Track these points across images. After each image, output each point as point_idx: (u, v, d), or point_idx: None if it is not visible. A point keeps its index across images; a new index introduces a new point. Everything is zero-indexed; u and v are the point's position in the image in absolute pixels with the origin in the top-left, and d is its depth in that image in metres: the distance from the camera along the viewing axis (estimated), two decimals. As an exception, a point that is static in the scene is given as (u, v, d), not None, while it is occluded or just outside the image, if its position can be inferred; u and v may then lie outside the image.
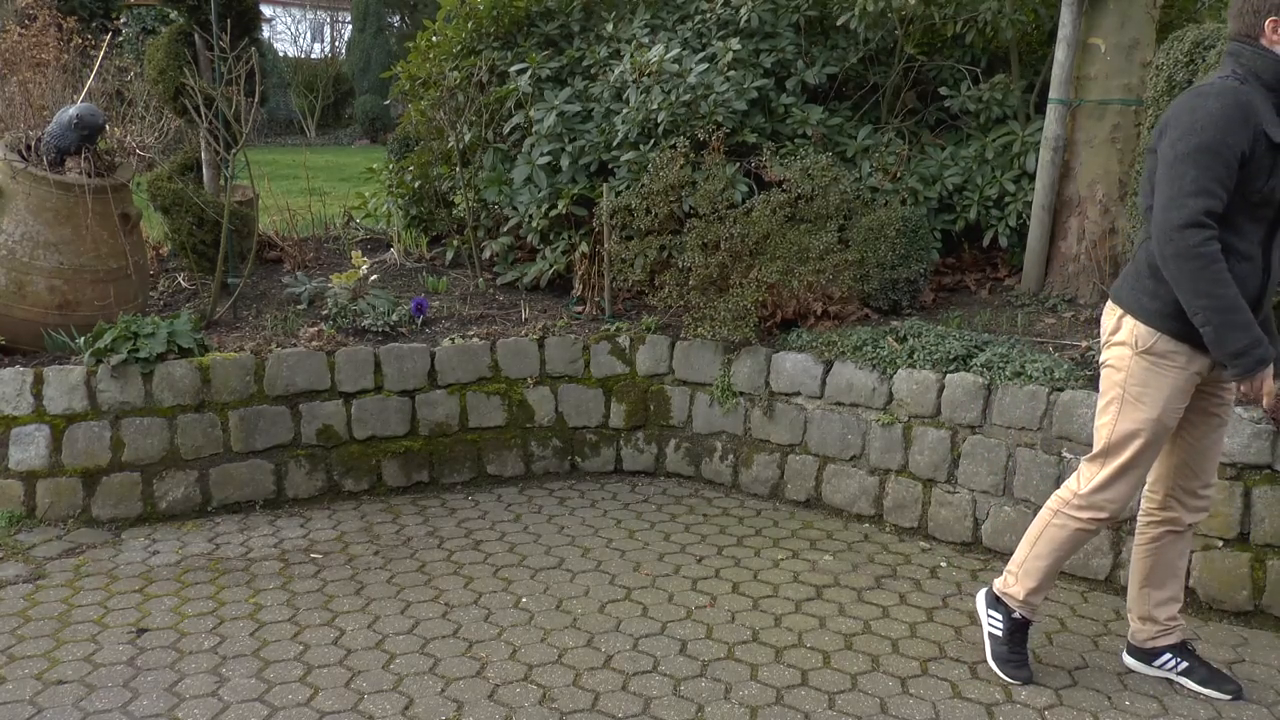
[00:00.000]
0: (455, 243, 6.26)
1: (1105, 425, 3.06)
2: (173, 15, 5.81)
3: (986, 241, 5.66)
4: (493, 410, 5.00)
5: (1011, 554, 4.17)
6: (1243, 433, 3.68)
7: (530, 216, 5.63)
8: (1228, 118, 2.76)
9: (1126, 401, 2.99)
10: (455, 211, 6.12)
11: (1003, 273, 5.74)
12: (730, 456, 4.99)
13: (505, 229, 5.92)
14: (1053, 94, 5.24)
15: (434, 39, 6.33)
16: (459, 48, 6.17)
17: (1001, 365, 4.27)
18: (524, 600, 3.86)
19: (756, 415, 4.87)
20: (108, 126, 5.24)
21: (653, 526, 4.56)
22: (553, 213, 5.53)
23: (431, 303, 5.42)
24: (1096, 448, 3.10)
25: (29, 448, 4.37)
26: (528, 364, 5.07)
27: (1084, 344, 4.47)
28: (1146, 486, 3.26)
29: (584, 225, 5.64)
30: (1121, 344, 3.02)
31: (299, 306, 5.42)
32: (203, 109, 5.20)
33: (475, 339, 5.05)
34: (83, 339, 4.54)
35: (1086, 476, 3.12)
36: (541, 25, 6.10)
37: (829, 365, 4.68)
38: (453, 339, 5.03)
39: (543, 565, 4.16)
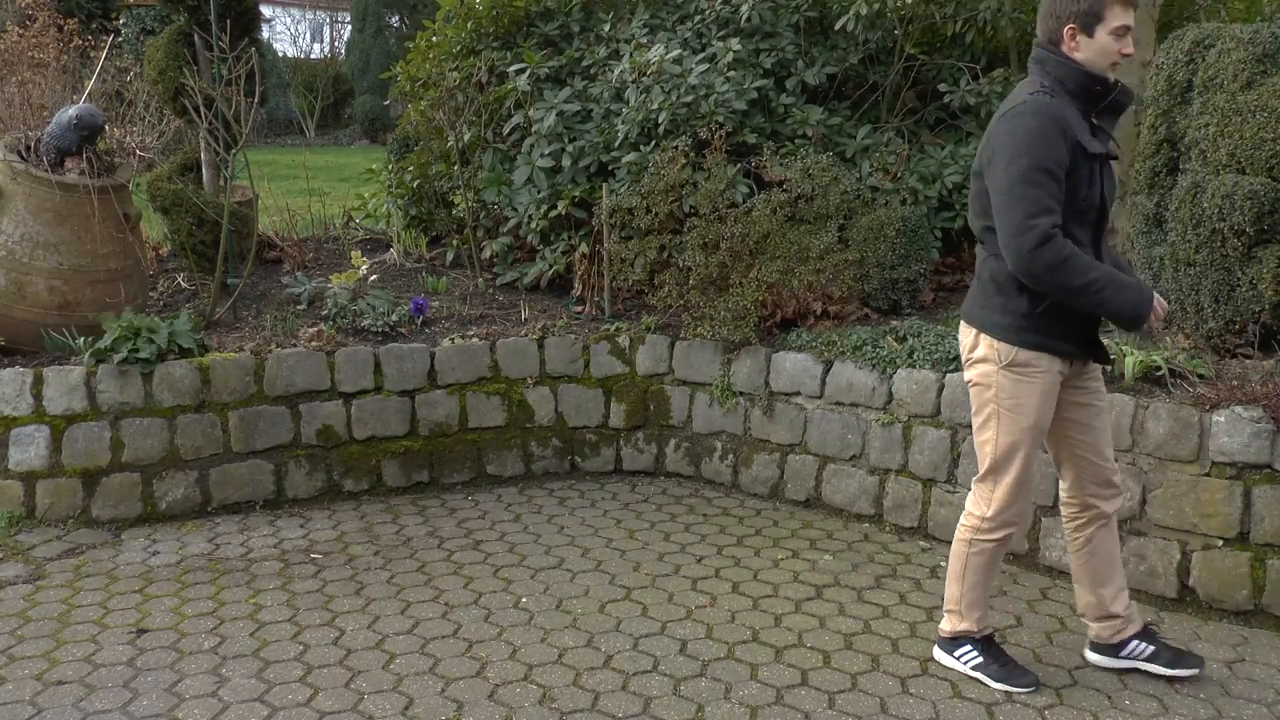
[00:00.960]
0: (455, 243, 6.26)
1: (988, 442, 3.11)
2: (174, 16, 5.81)
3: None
4: (492, 410, 5.00)
5: (1009, 553, 4.18)
6: (1243, 432, 3.68)
7: (530, 217, 5.63)
8: (1046, 134, 2.85)
9: (1003, 415, 3.05)
10: (455, 211, 6.13)
11: (1002, 272, 5.73)
12: (730, 456, 4.99)
13: (505, 229, 5.92)
14: (1052, 94, 5.24)
15: (433, 39, 6.33)
16: (458, 48, 6.17)
17: (1001, 365, 4.27)
18: (524, 600, 3.86)
19: (756, 415, 4.87)
20: (107, 127, 5.24)
21: (653, 526, 4.56)
22: (552, 214, 5.53)
23: (431, 303, 5.42)
24: (984, 466, 3.14)
25: (29, 448, 4.37)
26: (527, 364, 5.07)
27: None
28: (1063, 496, 3.30)
29: (584, 226, 5.64)
30: (984, 360, 3.08)
31: (299, 307, 5.42)
32: (202, 109, 5.20)
33: (475, 339, 5.05)
34: (83, 339, 4.54)
35: (985, 499, 3.16)
36: (541, 25, 6.10)
37: (829, 365, 4.68)
38: (452, 339, 5.03)
39: (543, 565, 4.17)
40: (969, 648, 3.32)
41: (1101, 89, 2.94)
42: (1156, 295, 2.97)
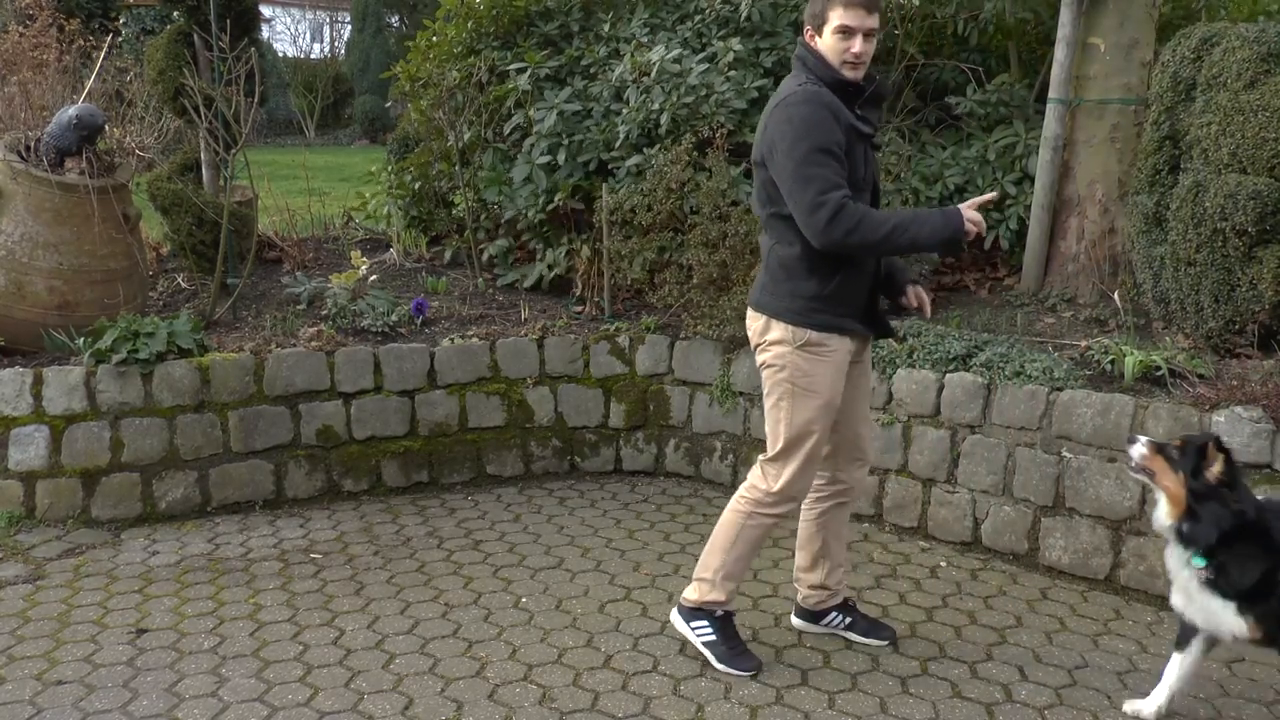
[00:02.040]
0: (455, 243, 6.26)
1: (781, 421, 3.20)
2: (174, 16, 5.81)
3: (988, 243, 5.66)
4: (492, 410, 5.00)
5: (1009, 553, 4.18)
6: (1243, 432, 3.68)
7: (527, 209, 5.61)
8: (820, 118, 2.98)
9: (797, 394, 3.16)
10: (455, 211, 6.12)
11: (1002, 272, 5.74)
12: (730, 456, 4.99)
13: (503, 222, 5.90)
14: (1052, 94, 5.24)
15: (434, 39, 6.33)
16: (459, 48, 6.16)
17: (1001, 365, 4.27)
18: (524, 600, 3.86)
19: (756, 415, 4.87)
20: (107, 127, 5.23)
21: (652, 526, 4.56)
22: (549, 206, 5.52)
23: (431, 303, 5.42)
24: (777, 445, 3.22)
25: (29, 448, 4.37)
26: (527, 364, 5.07)
27: (1083, 343, 4.47)
28: (825, 465, 3.41)
29: (584, 226, 5.64)
30: (778, 343, 3.17)
31: (299, 307, 5.41)
32: (202, 109, 5.20)
33: (475, 339, 5.05)
34: (82, 339, 4.54)
35: (774, 475, 3.24)
36: (541, 25, 6.10)
37: (829, 365, 4.67)
38: (452, 339, 5.03)
39: (542, 565, 4.16)
40: (705, 623, 3.37)
41: (852, 88, 3.08)
42: (965, 209, 3.04)
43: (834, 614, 3.55)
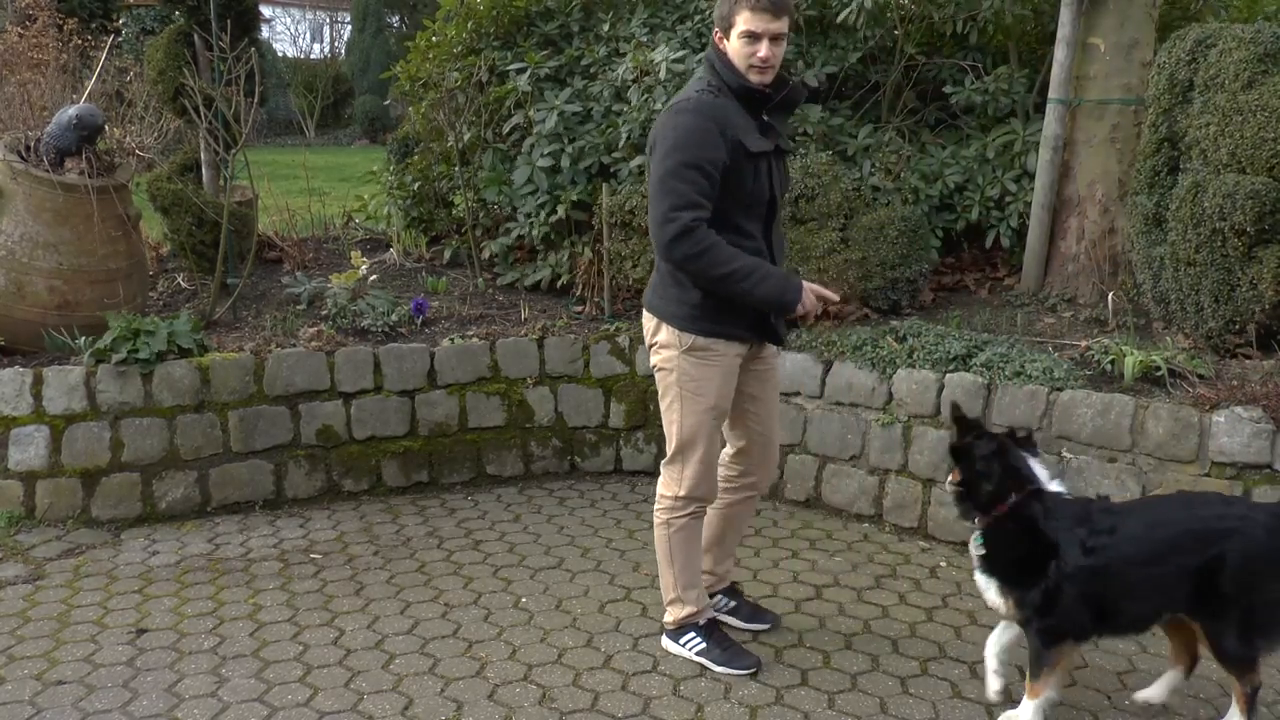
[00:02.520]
0: (455, 243, 6.26)
1: (674, 424, 3.23)
2: (174, 16, 5.81)
3: (989, 242, 5.66)
4: (492, 410, 5.00)
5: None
6: (1242, 433, 3.68)
7: (533, 223, 5.63)
8: (703, 132, 2.95)
9: (685, 397, 3.18)
10: (455, 212, 6.12)
11: (1002, 272, 5.74)
12: (730, 456, 4.99)
13: (506, 232, 5.91)
14: (1052, 94, 5.25)
15: (434, 39, 6.33)
16: (459, 48, 6.16)
17: (1001, 365, 4.27)
18: (524, 600, 3.86)
19: (756, 415, 4.87)
20: (107, 127, 5.23)
21: (652, 527, 4.55)
22: (553, 218, 5.54)
23: (431, 303, 5.42)
24: (673, 447, 3.25)
25: (28, 448, 4.37)
26: (527, 364, 5.07)
27: (1083, 344, 4.47)
28: (726, 459, 3.45)
29: (584, 229, 5.64)
30: (666, 346, 3.20)
31: (299, 307, 5.41)
32: (202, 109, 5.20)
33: (475, 339, 5.05)
34: (82, 339, 4.54)
35: (676, 479, 3.27)
36: (541, 25, 6.10)
37: (829, 365, 4.68)
38: (452, 339, 5.03)
39: (542, 565, 4.16)
40: (693, 634, 3.39)
41: (759, 95, 3.05)
42: (810, 286, 3.12)
43: (720, 597, 3.63)
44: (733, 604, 3.63)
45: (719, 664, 3.34)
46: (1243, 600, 2.79)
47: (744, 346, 3.21)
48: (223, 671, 3.35)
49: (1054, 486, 2.97)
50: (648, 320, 3.27)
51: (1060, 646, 2.92)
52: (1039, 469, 2.98)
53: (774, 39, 3.00)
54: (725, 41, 3.06)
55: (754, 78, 3.03)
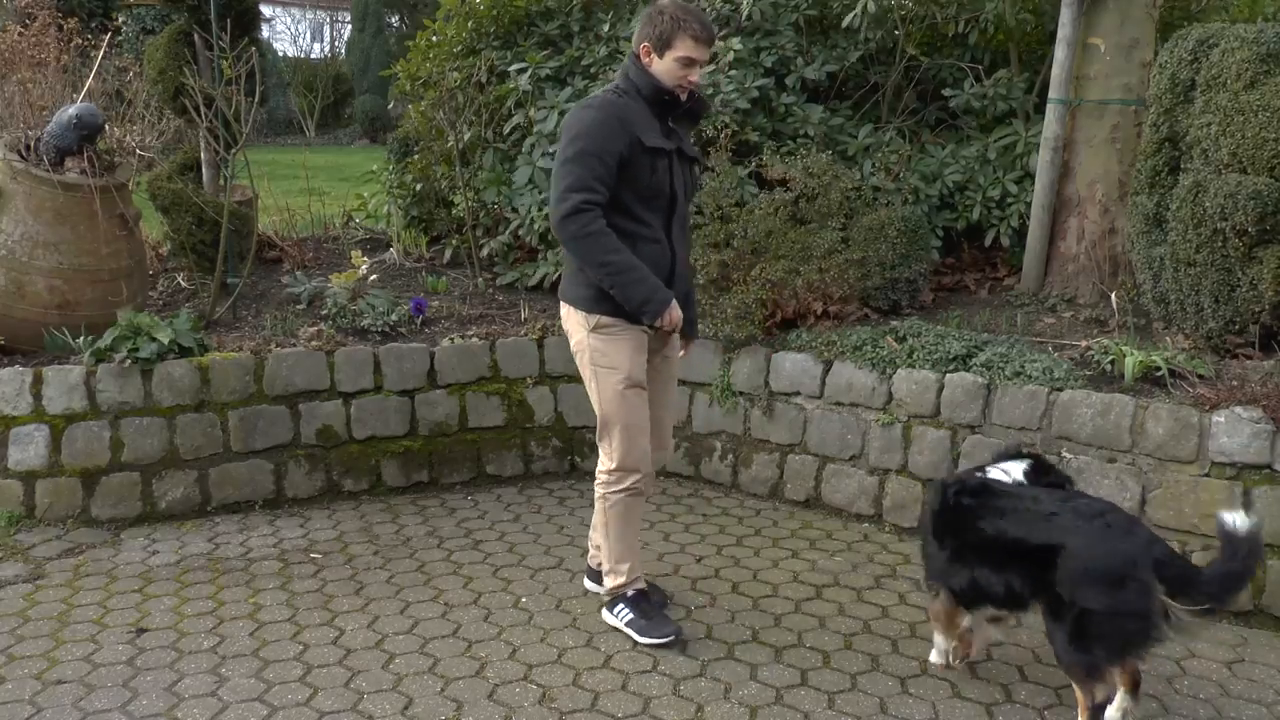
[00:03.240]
0: (455, 242, 6.26)
1: (596, 401, 3.48)
2: (174, 15, 5.81)
3: (988, 242, 5.66)
4: (492, 410, 5.00)
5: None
6: (1242, 433, 3.68)
7: (532, 220, 5.63)
8: (605, 125, 3.26)
9: (599, 373, 3.44)
10: (455, 211, 6.12)
11: (1002, 272, 5.74)
12: (730, 456, 4.99)
13: (506, 231, 5.91)
14: (1052, 94, 5.24)
15: (434, 39, 6.33)
16: (459, 47, 6.16)
17: (1001, 365, 4.27)
18: (523, 600, 3.86)
19: (756, 415, 4.87)
20: (107, 126, 5.23)
21: (652, 526, 4.55)
22: None
23: (431, 303, 5.42)
24: (600, 425, 3.49)
25: (28, 448, 4.37)
26: (527, 364, 5.07)
27: (1084, 344, 4.47)
28: None
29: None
30: (576, 328, 3.48)
31: (298, 306, 5.41)
32: (202, 109, 5.20)
33: (475, 339, 5.05)
34: (82, 339, 4.54)
35: (608, 454, 3.50)
36: (541, 25, 6.10)
37: (828, 365, 4.68)
38: (452, 339, 5.02)
39: (542, 565, 4.16)
40: (622, 605, 3.58)
41: (670, 99, 3.36)
42: (673, 306, 3.36)
43: None
44: None
45: (640, 634, 3.49)
46: (1076, 604, 2.82)
47: (649, 330, 3.44)
48: (223, 671, 3.35)
49: (995, 472, 3.25)
50: (563, 309, 3.53)
51: (938, 598, 3.25)
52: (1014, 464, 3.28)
53: (702, 65, 3.39)
54: (655, 58, 3.33)
55: (678, 92, 3.36)
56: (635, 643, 3.50)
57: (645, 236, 3.37)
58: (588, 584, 3.91)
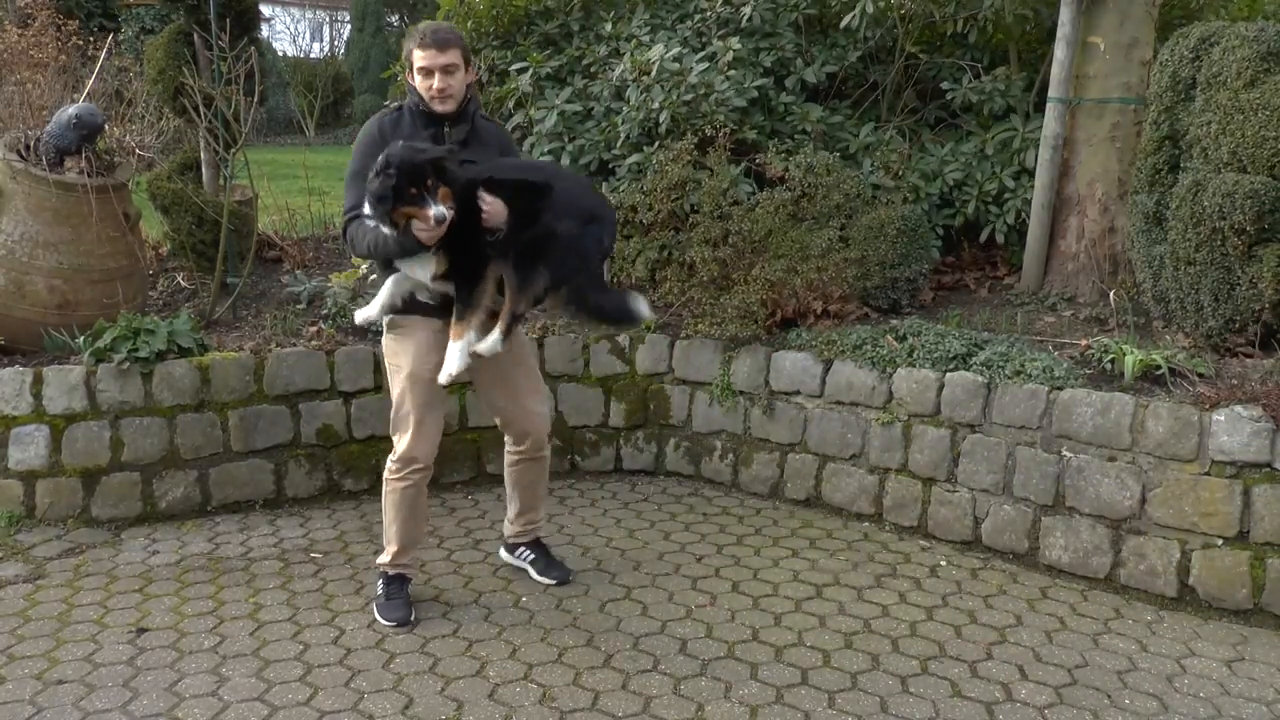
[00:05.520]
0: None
1: (391, 395, 3.65)
2: (173, 15, 5.80)
3: (984, 238, 5.66)
4: (492, 410, 4.99)
5: (1009, 552, 4.19)
6: (1242, 431, 3.68)
7: None
8: (368, 143, 3.50)
9: (391, 369, 3.66)
10: (455, 211, 6.11)
11: (1002, 271, 5.74)
12: (730, 455, 4.99)
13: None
14: (1052, 93, 5.24)
15: (433, 38, 6.31)
16: (458, 47, 6.15)
17: (1001, 364, 4.27)
18: (524, 599, 3.86)
19: (756, 414, 4.87)
20: (107, 126, 5.23)
21: (653, 526, 4.56)
22: None
23: (431, 302, 5.40)
24: (391, 416, 3.65)
25: (29, 448, 4.37)
26: (527, 363, 5.06)
27: (1084, 342, 4.47)
28: (504, 432, 3.88)
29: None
30: (380, 332, 3.71)
31: (298, 306, 5.41)
32: (202, 109, 5.19)
33: (475, 338, 5.04)
34: (82, 339, 4.54)
35: (395, 444, 3.65)
36: (541, 24, 6.09)
37: (828, 364, 4.68)
38: (452, 338, 5.01)
39: (542, 564, 4.16)
40: (380, 582, 3.78)
41: (432, 113, 3.51)
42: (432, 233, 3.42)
43: (524, 549, 4.04)
44: (532, 556, 4.03)
45: (378, 611, 3.70)
46: None
47: (440, 321, 3.54)
48: (223, 671, 3.35)
49: None
50: None
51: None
52: None
53: (445, 70, 3.45)
54: (409, 75, 3.54)
55: (437, 107, 3.50)
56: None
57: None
58: (500, 553, 4.16)
